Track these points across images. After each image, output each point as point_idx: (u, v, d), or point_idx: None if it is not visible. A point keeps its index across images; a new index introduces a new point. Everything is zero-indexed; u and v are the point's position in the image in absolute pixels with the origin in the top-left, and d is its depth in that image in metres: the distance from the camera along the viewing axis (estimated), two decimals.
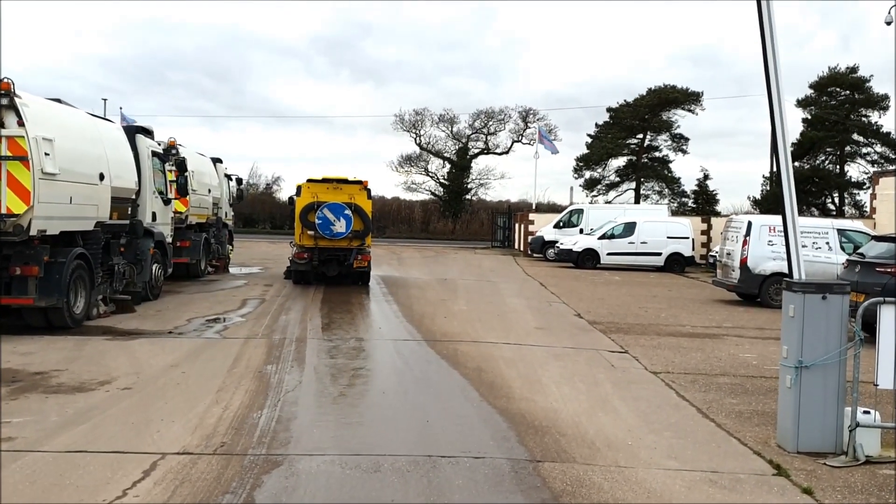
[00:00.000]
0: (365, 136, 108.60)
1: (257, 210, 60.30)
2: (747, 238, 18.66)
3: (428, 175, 64.27)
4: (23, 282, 11.49)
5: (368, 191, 20.13)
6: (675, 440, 6.97)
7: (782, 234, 18.78)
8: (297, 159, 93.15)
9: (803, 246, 18.58)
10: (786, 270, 18.21)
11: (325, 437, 6.68)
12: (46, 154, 11.40)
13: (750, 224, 18.96)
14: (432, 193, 64.88)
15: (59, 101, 13.27)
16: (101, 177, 13.34)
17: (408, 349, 11.33)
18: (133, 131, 16.17)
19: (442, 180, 63.90)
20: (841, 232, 18.97)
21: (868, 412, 6.63)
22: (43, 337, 11.38)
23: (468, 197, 64.50)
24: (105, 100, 48.79)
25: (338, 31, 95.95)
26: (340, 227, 19.23)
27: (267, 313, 14.57)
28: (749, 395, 8.97)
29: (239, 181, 28.10)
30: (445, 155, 63.68)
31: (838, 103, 48.94)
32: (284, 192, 62.86)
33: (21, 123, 11.02)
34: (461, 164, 62.90)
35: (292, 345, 11.20)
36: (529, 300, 18.42)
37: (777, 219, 21.85)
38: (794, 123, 47.64)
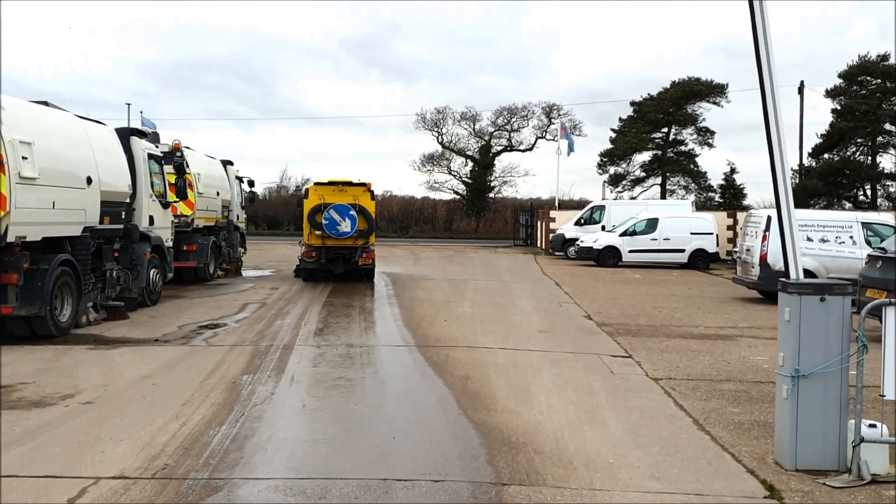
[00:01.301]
0: (395, 136, 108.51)
1: (281, 212, 60.15)
2: (767, 233, 17.87)
3: (450, 174, 63.79)
4: (2, 290, 11.17)
5: (371, 192, 21.21)
6: (661, 457, 6.37)
7: (804, 228, 18.16)
8: (327, 160, 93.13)
9: (824, 241, 17.97)
10: (808, 267, 17.66)
11: (279, 458, 6.18)
12: (24, 158, 11.05)
13: (769, 218, 18.14)
14: (455, 192, 64.36)
15: (45, 103, 12.97)
16: (89, 181, 13.00)
17: (396, 356, 10.81)
18: (127, 133, 15.84)
19: (465, 179, 63.31)
20: (866, 225, 18.15)
21: (874, 425, 5.98)
22: (23, 347, 11.04)
23: (491, 195, 63.81)
24: (129, 104, 48.77)
25: (367, 31, 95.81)
26: (346, 226, 20.42)
27: (263, 318, 14.15)
28: (753, 403, 8.32)
29: (251, 183, 27.80)
30: (468, 153, 63.10)
31: (869, 92, 47.48)
32: None
33: None
34: (484, 161, 62.26)
35: (277, 352, 10.74)
36: (539, 301, 17.81)
37: (798, 213, 21.04)
38: (823, 114, 46.46)
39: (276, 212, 60.19)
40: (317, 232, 20.43)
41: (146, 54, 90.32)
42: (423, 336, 12.40)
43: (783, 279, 6.38)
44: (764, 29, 6.47)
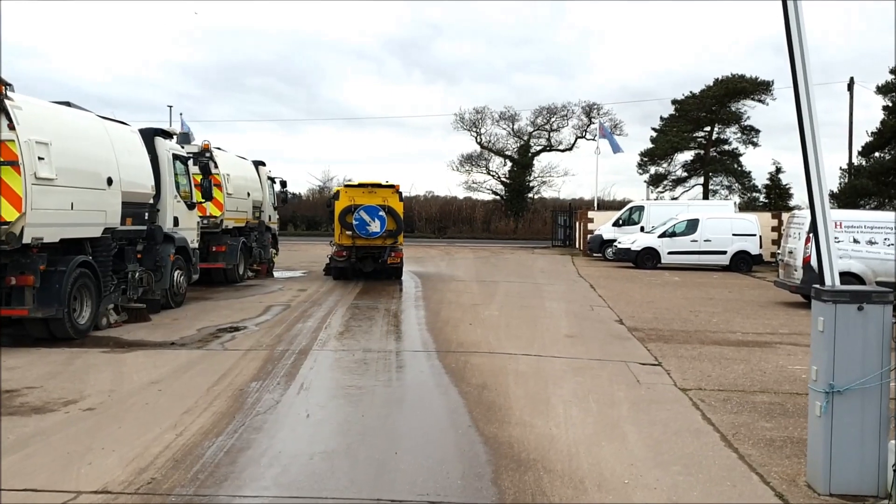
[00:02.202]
0: (437, 136, 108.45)
1: (320, 213, 60.11)
2: (810, 235, 17.11)
3: (489, 174, 63.23)
4: (19, 292, 11.05)
5: (400, 194, 21.69)
6: (682, 477, 5.90)
7: (850, 229, 17.37)
8: (370, 161, 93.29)
9: (872, 242, 17.14)
10: (854, 270, 16.93)
11: (270, 474, 5.83)
12: (41, 158, 10.91)
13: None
14: (493, 192, 63.82)
15: (68, 103, 12.86)
16: (110, 181, 12.86)
17: (414, 362, 10.43)
18: (151, 134, 15.69)
19: (503, 179, 62.73)
20: None
21: None
22: (40, 349, 10.91)
23: (530, 195, 63.13)
24: (171, 106, 49.52)
25: (409, 32, 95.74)
26: (375, 227, 21.03)
27: (285, 321, 13.88)
28: (788, 417, 7.77)
29: (283, 184, 27.65)
30: (506, 153, 62.51)
31: None
32: None
33: (11, 127, 10.50)
34: (523, 161, 61.60)
35: (292, 358, 10.43)
36: (571, 304, 17.30)
37: (844, 213, 20.21)
38: (874, 111, 44.98)
39: (315, 212, 60.20)
40: (347, 232, 21.02)
41: (192, 57, 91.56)
42: (445, 341, 12.01)
43: (817, 286, 5.85)
44: (798, 22, 5.93)
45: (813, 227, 5.97)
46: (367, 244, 21.18)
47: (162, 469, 5.88)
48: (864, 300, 5.55)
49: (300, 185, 73.56)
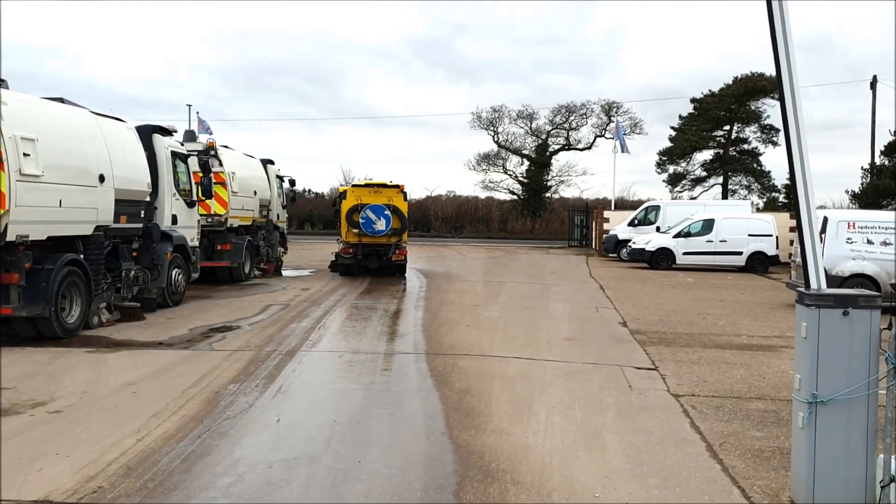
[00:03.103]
0: (459, 136, 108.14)
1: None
2: (823, 235, 16.64)
3: (506, 173, 62.79)
4: (4, 290, 10.90)
5: (405, 193, 22.41)
6: (658, 491, 5.57)
7: (863, 230, 16.88)
8: (392, 161, 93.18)
9: (886, 243, 16.62)
10: (868, 272, 16.43)
11: (223, 483, 5.57)
12: (26, 154, 10.76)
13: (826, 220, 16.89)
14: (510, 191, 63.40)
15: (61, 100, 12.71)
16: (102, 178, 12.70)
17: (400, 365, 10.11)
18: (149, 131, 15.51)
19: (520, 178, 62.27)
20: None
21: None
22: (25, 349, 10.76)
23: (548, 195, 62.60)
24: (189, 105, 49.54)
25: (432, 32, 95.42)
26: (381, 225, 21.68)
27: (280, 320, 13.66)
28: (781, 426, 7.40)
29: (292, 182, 27.49)
30: (524, 152, 62.04)
31: None
32: None
33: None
34: (540, 160, 61.10)
35: (277, 359, 10.19)
36: (575, 305, 16.94)
37: (858, 213, 19.69)
38: None
39: (331, 211, 59.98)
40: (354, 230, 21.82)
41: (219, 59, 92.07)
42: (437, 343, 11.71)
43: (800, 289, 5.50)
44: (783, 23, 5.58)
45: (798, 227, 5.63)
46: (372, 242, 21.92)
47: (112, 477, 5.64)
48: (850, 304, 5.19)
49: (322, 185, 73.61)
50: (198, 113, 48.15)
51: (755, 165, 52.38)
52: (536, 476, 5.83)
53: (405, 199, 22.35)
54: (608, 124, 59.09)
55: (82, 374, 9.28)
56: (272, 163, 25.25)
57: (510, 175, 62.68)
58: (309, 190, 67.18)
